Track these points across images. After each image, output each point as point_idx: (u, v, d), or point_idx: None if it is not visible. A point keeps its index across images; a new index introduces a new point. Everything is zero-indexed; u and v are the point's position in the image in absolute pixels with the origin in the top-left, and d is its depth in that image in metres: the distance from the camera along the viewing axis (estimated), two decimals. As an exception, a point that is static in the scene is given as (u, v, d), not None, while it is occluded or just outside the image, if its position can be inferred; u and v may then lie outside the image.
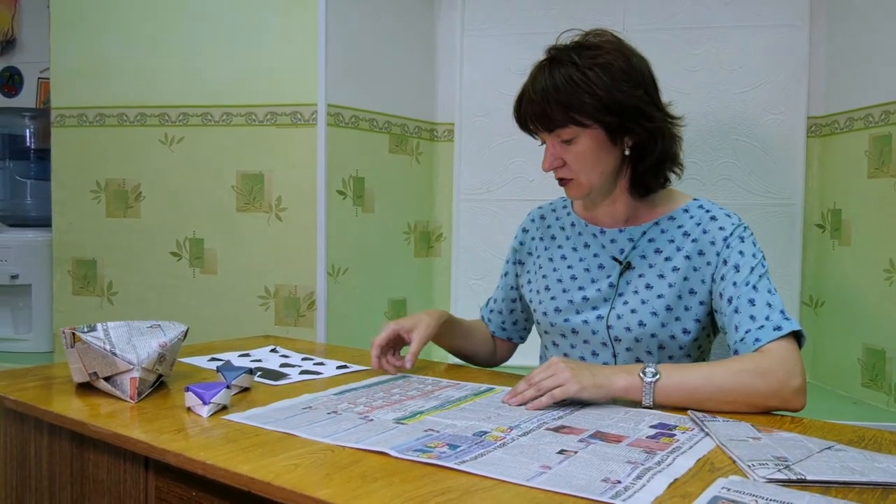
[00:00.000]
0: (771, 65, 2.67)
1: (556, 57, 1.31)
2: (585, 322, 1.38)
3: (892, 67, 2.31)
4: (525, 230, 1.56)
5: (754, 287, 1.24)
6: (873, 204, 2.36)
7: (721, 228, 1.31)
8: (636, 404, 1.14)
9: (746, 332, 1.21)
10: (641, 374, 1.12)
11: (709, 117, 2.72)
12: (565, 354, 1.43)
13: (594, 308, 1.38)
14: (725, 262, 1.28)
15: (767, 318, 1.20)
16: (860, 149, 2.42)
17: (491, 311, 1.63)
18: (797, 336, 1.20)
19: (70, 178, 2.70)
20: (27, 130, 3.24)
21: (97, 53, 2.67)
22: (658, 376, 1.12)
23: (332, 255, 2.54)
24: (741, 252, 1.28)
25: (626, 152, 1.32)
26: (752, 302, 1.22)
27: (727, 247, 1.29)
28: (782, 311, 1.21)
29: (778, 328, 1.18)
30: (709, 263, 1.30)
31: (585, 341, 1.39)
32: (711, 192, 2.70)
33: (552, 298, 1.43)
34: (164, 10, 2.61)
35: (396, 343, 1.42)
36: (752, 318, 1.21)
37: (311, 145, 2.50)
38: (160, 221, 2.63)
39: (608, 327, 1.35)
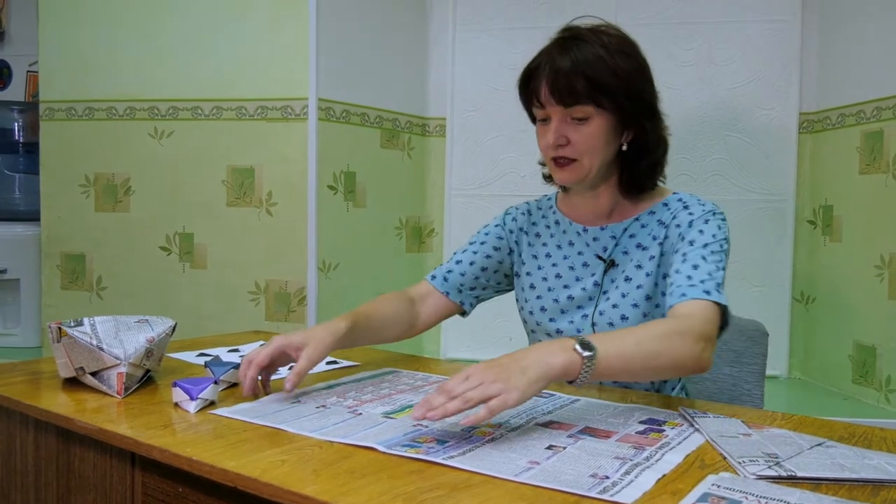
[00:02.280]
0: (762, 60, 2.67)
1: (581, 35, 1.27)
2: (571, 322, 1.37)
3: (884, 64, 2.31)
4: (514, 219, 1.51)
5: (703, 257, 1.23)
6: (864, 200, 2.37)
7: (690, 213, 1.31)
8: (612, 392, 1.13)
9: (678, 286, 1.19)
10: (578, 350, 1.00)
11: (700, 113, 2.72)
12: None
13: (579, 307, 1.37)
14: (683, 239, 1.28)
15: (702, 282, 1.19)
16: (852, 145, 2.43)
17: (450, 271, 1.50)
18: (723, 314, 1.18)
19: (59, 172, 2.68)
20: (16, 124, 3.21)
21: (86, 47, 2.65)
22: (595, 351, 1.00)
23: (322, 250, 2.53)
24: (701, 231, 1.27)
25: (623, 147, 1.31)
26: (695, 266, 1.21)
27: (689, 226, 1.28)
28: (718, 285, 1.19)
29: (706, 292, 1.17)
30: (673, 244, 1.30)
31: None
32: (702, 188, 2.71)
33: (537, 298, 1.41)
34: (154, 3, 2.59)
35: (280, 361, 1.21)
36: (688, 277, 1.20)
37: (301, 140, 2.49)
38: (150, 216, 2.61)
39: (593, 325, 1.34)
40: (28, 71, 3.54)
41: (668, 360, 1.08)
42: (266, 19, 2.52)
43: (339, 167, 2.60)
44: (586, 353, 0.99)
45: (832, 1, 2.58)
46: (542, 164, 1.42)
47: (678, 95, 2.70)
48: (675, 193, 1.37)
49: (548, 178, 1.41)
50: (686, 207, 1.32)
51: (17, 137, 3.22)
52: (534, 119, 1.35)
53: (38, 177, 2.73)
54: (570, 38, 1.27)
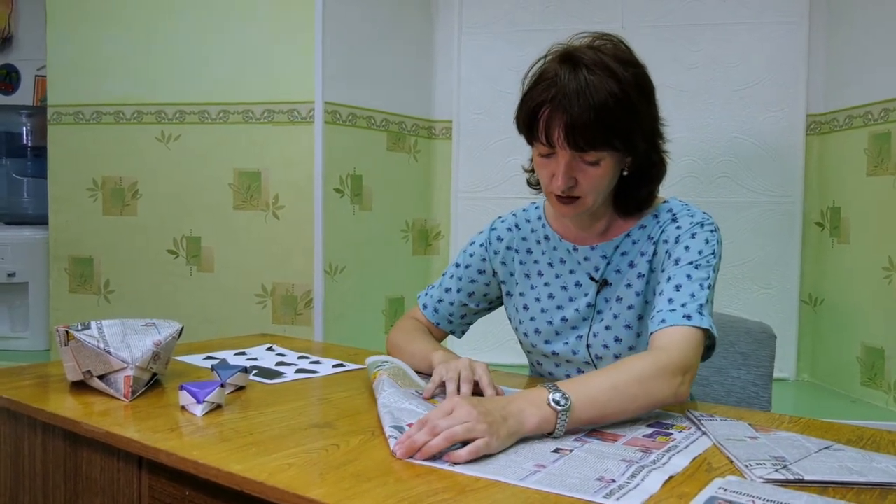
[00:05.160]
0: (770, 62, 2.66)
1: (588, 64, 1.16)
2: (566, 343, 1.34)
3: (892, 65, 2.31)
4: (500, 237, 1.45)
5: (688, 275, 1.19)
6: (872, 202, 2.36)
7: (678, 227, 1.26)
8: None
9: (658, 311, 1.16)
10: (552, 405, 0.98)
11: (707, 115, 2.71)
12: (550, 373, 1.40)
13: (574, 328, 1.33)
14: (669, 256, 1.24)
15: (683, 305, 1.15)
16: (859, 146, 2.42)
17: (439, 300, 1.50)
18: (708, 335, 1.16)
19: (67, 176, 2.70)
20: (24, 128, 3.23)
21: (94, 51, 2.66)
22: (569, 402, 0.98)
23: (329, 253, 2.53)
24: (687, 247, 1.23)
25: (625, 172, 1.26)
26: (677, 287, 1.18)
27: (676, 243, 1.24)
28: (702, 306, 1.15)
29: (687, 317, 1.13)
30: (661, 261, 1.26)
31: (568, 361, 1.35)
32: (709, 190, 2.70)
33: (531, 319, 1.38)
34: (161, 7, 2.60)
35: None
36: (669, 300, 1.16)
37: (308, 143, 2.50)
38: (157, 219, 2.62)
39: (588, 346, 1.32)
40: (36, 75, 3.55)
41: (646, 402, 1.06)
42: (272, 22, 2.53)
43: (346, 170, 2.60)
44: (560, 408, 0.97)
45: (839, 2, 2.57)
46: (529, 171, 1.38)
47: (684, 98, 2.70)
48: (666, 202, 1.33)
49: (535, 185, 1.37)
50: (674, 220, 1.28)
51: (25, 141, 3.24)
52: (529, 141, 1.27)
53: (46, 181, 2.74)
54: (577, 68, 1.16)
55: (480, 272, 1.47)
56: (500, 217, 1.49)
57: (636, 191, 1.28)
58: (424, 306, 1.52)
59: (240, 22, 2.55)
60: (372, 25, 2.71)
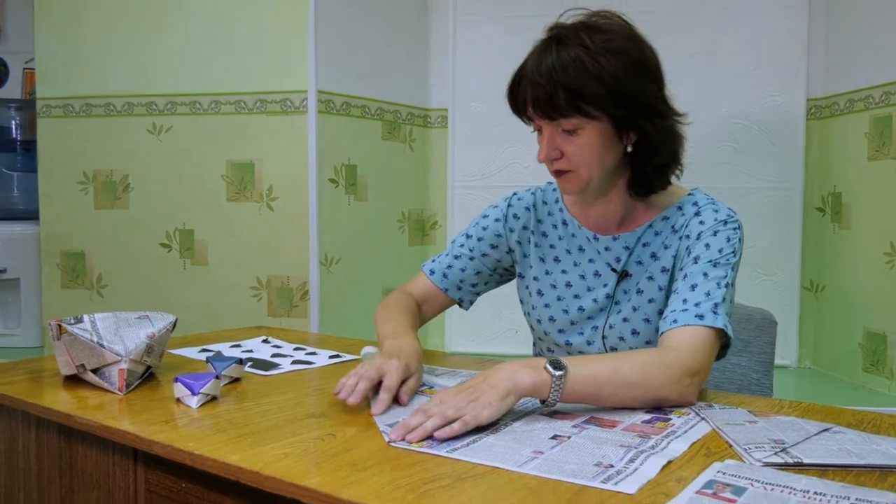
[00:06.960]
0: (769, 47, 2.65)
1: (563, 37, 1.17)
2: (581, 334, 1.32)
3: (892, 48, 2.30)
4: (516, 215, 1.41)
5: (704, 273, 1.17)
6: (874, 187, 2.35)
7: (701, 223, 1.24)
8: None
9: (671, 311, 1.15)
10: (548, 368, 0.99)
11: (707, 101, 2.70)
12: None
13: (590, 318, 1.31)
14: (689, 253, 1.22)
15: (697, 305, 1.13)
16: (860, 131, 2.41)
17: (449, 266, 1.44)
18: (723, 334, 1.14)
19: (57, 170, 2.68)
20: (13, 122, 3.21)
21: (82, 43, 2.64)
22: (566, 370, 0.99)
23: (324, 244, 2.52)
24: (707, 245, 1.21)
25: (629, 149, 1.23)
26: (693, 287, 1.16)
27: (698, 239, 1.22)
28: (717, 305, 1.13)
29: (700, 317, 1.12)
30: (681, 257, 1.24)
31: (581, 352, 1.33)
32: (711, 177, 2.69)
33: (546, 306, 1.36)
34: (151, -2, 2.58)
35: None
36: (684, 301, 1.15)
37: (301, 133, 2.48)
38: (149, 212, 2.61)
39: (603, 337, 1.30)
40: (24, 68, 3.53)
41: (646, 391, 1.04)
42: (264, 11, 2.51)
43: (340, 160, 2.59)
44: (556, 373, 0.98)
45: (837, -15, 2.56)
46: None
47: (684, 85, 2.67)
48: (690, 194, 1.31)
49: None
50: (698, 214, 1.25)
51: (14, 135, 3.22)
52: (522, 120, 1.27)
53: (36, 175, 2.73)
54: (550, 41, 1.18)
55: (493, 246, 1.42)
56: (515, 194, 1.45)
57: (642, 167, 1.25)
58: (431, 272, 1.45)
59: (231, 11, 2.53)
60: (365, 13, 2.69)
